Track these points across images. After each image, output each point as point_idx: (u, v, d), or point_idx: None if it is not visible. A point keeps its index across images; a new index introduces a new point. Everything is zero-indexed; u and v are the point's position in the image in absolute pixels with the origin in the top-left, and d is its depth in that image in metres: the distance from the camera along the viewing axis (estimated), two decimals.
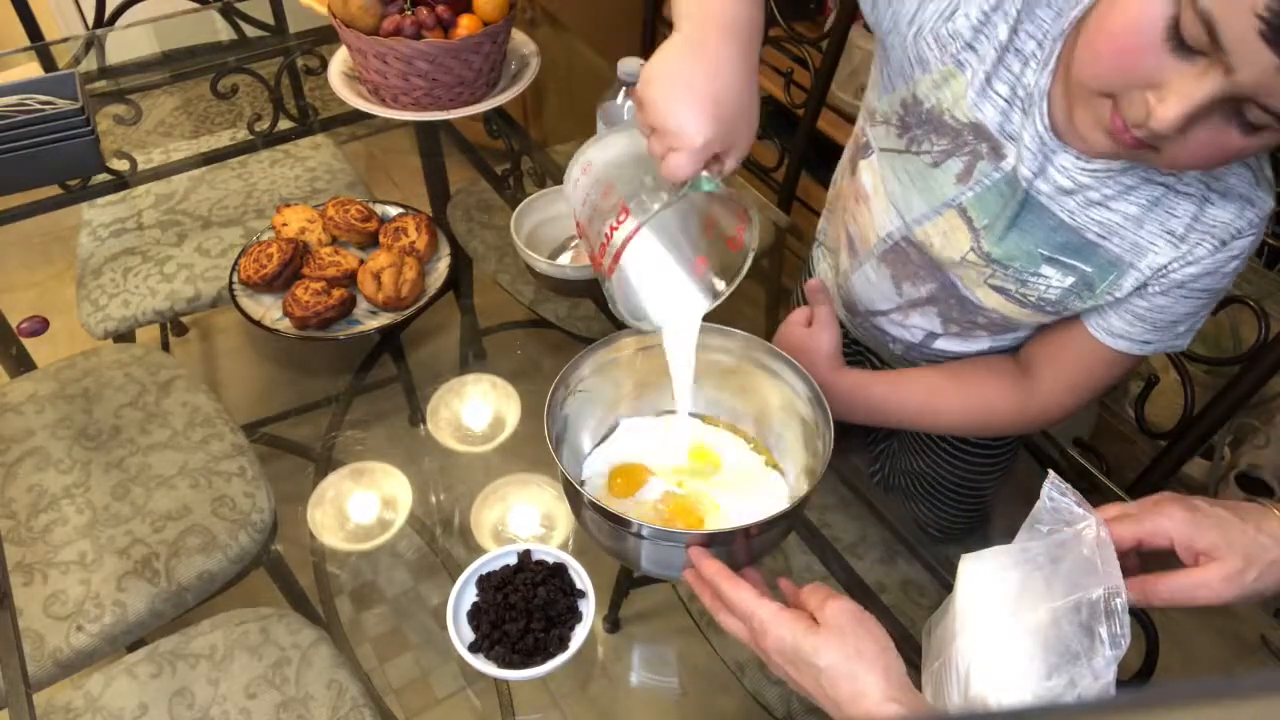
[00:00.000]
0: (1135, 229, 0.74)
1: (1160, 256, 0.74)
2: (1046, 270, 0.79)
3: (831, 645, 0.62)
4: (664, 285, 0.79)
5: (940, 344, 0.94)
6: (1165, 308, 0.76)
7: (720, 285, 0.78)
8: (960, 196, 0.80)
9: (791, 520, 0.81)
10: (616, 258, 0.69)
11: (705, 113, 0.65)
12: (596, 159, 0.75)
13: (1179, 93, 0.58)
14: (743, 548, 0.75)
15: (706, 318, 0.80)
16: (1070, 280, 0.78)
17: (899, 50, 0.78)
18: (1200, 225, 0.72)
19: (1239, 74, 0.55)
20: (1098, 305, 0.79)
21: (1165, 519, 0.66)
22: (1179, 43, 0.57)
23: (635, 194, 0.70)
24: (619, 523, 0.73)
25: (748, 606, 0.67)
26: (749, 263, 0.75)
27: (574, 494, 0.77)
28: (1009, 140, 0.75)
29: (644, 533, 0.73)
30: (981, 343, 0.92)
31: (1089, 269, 0.77)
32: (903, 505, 1.15)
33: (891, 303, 0.93)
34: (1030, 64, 0.72)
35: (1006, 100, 0.73)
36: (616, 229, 0.69)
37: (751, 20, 0.71)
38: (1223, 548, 0.64)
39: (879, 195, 0.87)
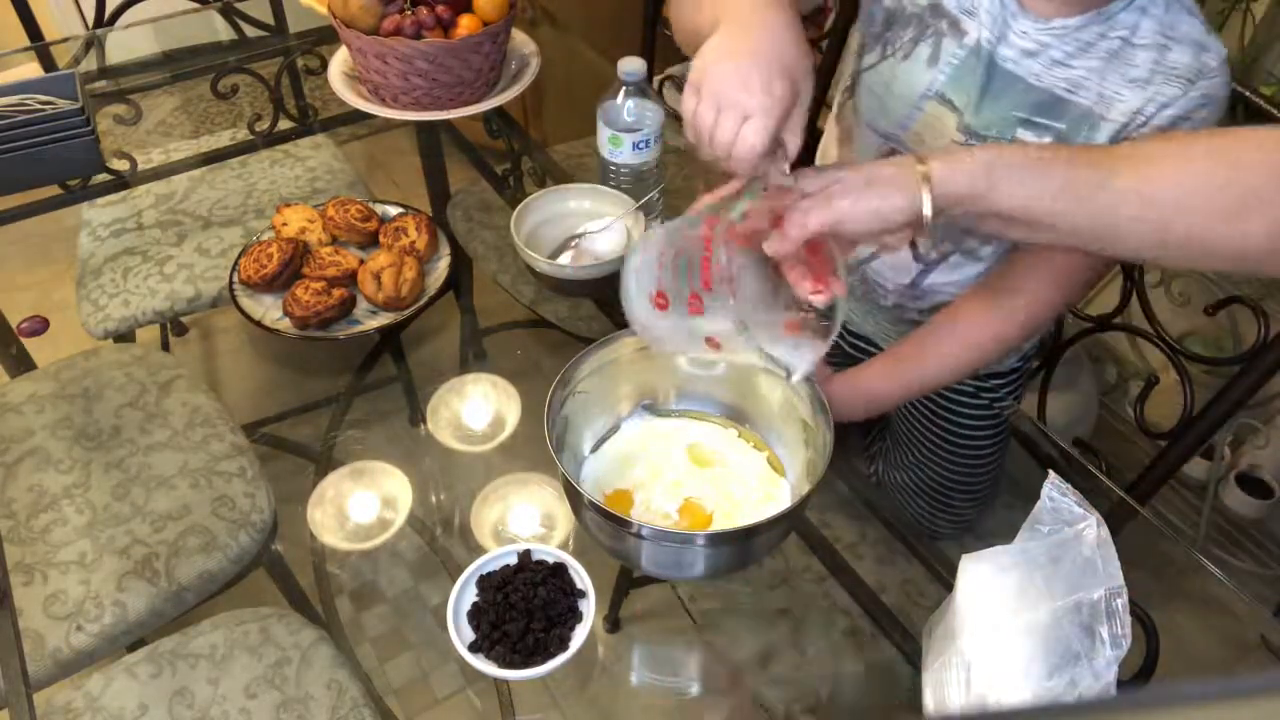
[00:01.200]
0: (1099, 81, 0.79)
1: (1128, 103, 0.78)
2: (1023, 134, 0.83)
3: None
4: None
5: (932, 279, 0.97)
6: None
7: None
8: (935, 83, 0.85)
9: (792, 520, 0.81)
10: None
11: (773, 69, 0.65)
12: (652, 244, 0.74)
13: None
14: (744, 547, 0.75)
15: None
16: (1046, 140, 0.82)
17: None
18: (1162, 69, 0.77)
19: None
20: None
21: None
22: None
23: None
24: (619, 523, 0.73)
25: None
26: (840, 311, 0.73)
27: (574, 494, 0.77)
28: (967, 15, 0.82)
29: (644, 533, 0.73)
30: (970, 269, 0.95)
31: (1062, 125, 0.81)
32: (898, 503, 1.15)
33: None
34: None
35: None
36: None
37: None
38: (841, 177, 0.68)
39: (860, 126, 0.93)
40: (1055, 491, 0.68)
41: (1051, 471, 0.69)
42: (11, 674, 0.83)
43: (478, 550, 0.95)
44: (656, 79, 1.69)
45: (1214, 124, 0.79)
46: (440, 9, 1.25)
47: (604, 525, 0.76)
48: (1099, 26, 0.78)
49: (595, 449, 0.89)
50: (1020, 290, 0.86)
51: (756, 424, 0.90)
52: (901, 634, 0.89)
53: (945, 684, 0.68)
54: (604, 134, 1.16)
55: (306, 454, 1.14)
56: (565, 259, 1.11)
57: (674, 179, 1.32)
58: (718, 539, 0.74)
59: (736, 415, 0.91)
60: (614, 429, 0.90)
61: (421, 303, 1.10)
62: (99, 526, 1.00)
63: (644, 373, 0.88)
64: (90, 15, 1.65)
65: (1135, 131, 0.79)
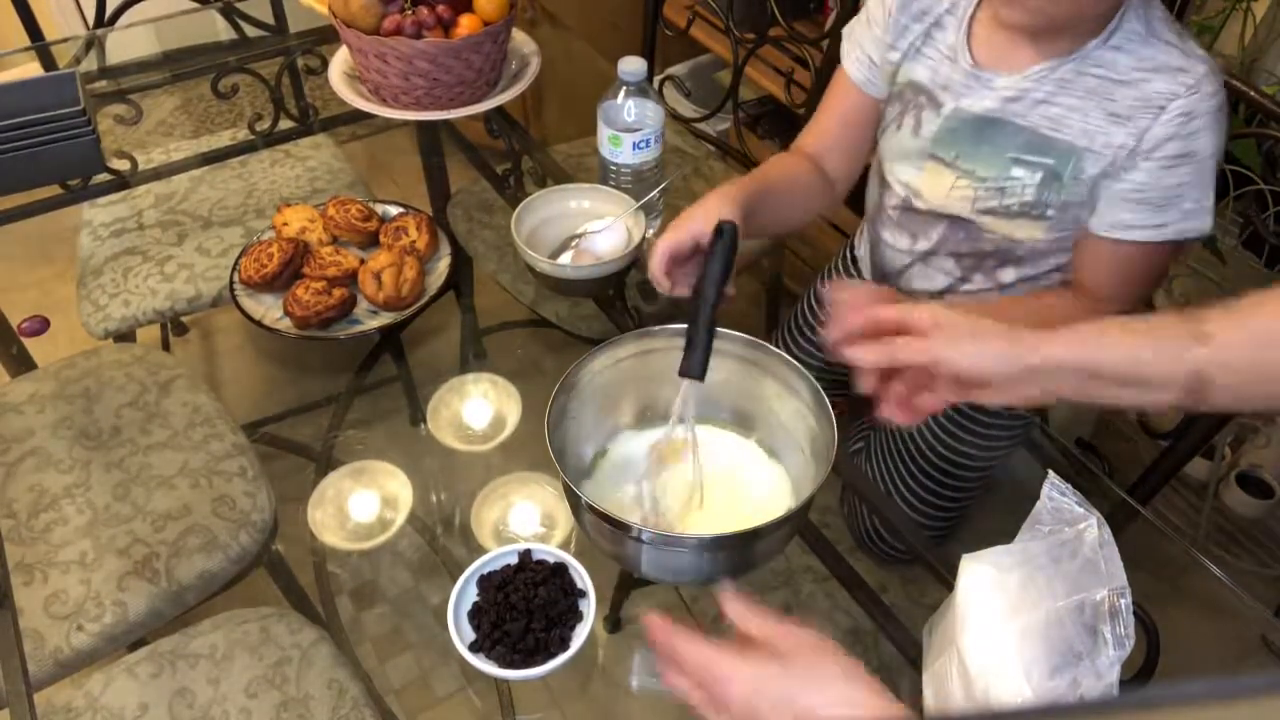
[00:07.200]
0: (1081, 118, 0.85)
1: (1111, 137, 0.84)
2: (1017, 172, 0.90)
3: (812, 679, 0.55)
4: None
5: (966, 288, 1.02)
6: (1148, 184, 0.84)
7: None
8: (924, 148, 0.96)
9: (796, 522, 0.81)
10: None
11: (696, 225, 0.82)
12: None
13: None
14: (745, 553, 0.75)
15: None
16: (1039, 175, 0.89)
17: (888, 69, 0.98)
18: (1139, 101, 0.82)
19: None
20: (1090, 205, 0.88)
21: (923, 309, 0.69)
22: None
23: None
24: (618, 526, 0.73)
25: (702, 658, 0.59)
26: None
27: (574, 498, 0.77)
28: (941, 89, 0.93)
29: (643, 537, 0.72)
30: (1004, 275, 0.99)
31: (1050, 160, 0.88)
32: (881, 483, 1.13)
33: (910, 256, 1.04)
34: (947, 28, 0.93)
35: (934, 59, 0.94)
36: None
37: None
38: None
39: (888, 174, 1.03)
40: (1055, 491, 0.68)
41: (1051, 471, 0.69)
42: (12, 674, 0.83)
43: (478, 550, 0.95)
44: (657, 79, 1.69)
45: (1211, 131, 0.82)
46: (441, 9, 1.25)
47: (603, 529, 0.75)
48: (1075, 65, 0.85)
49: (598, 454, 0.88)
50: (1094, 296, 0.92)
51: (760, 428, 0.89)
52: (902, 634, 0.89)
53: (946, 683, 0.68)
54: (604, 134, 1.16)
55: (307, 454, 1.14)
56: (565, 259, 1.11)
57: (674, 179, 1.32)
58: (721, 542, 0.73)
59: (740, 417, 0.90)
60: (615, 433, 0.90)
61: (422, 302, 1.10)
62: (99, 526, 1.00)
63: (648, 377, 0.88)
64: (90, 15, 1.65)
65: (1124, 163, 0.84)
